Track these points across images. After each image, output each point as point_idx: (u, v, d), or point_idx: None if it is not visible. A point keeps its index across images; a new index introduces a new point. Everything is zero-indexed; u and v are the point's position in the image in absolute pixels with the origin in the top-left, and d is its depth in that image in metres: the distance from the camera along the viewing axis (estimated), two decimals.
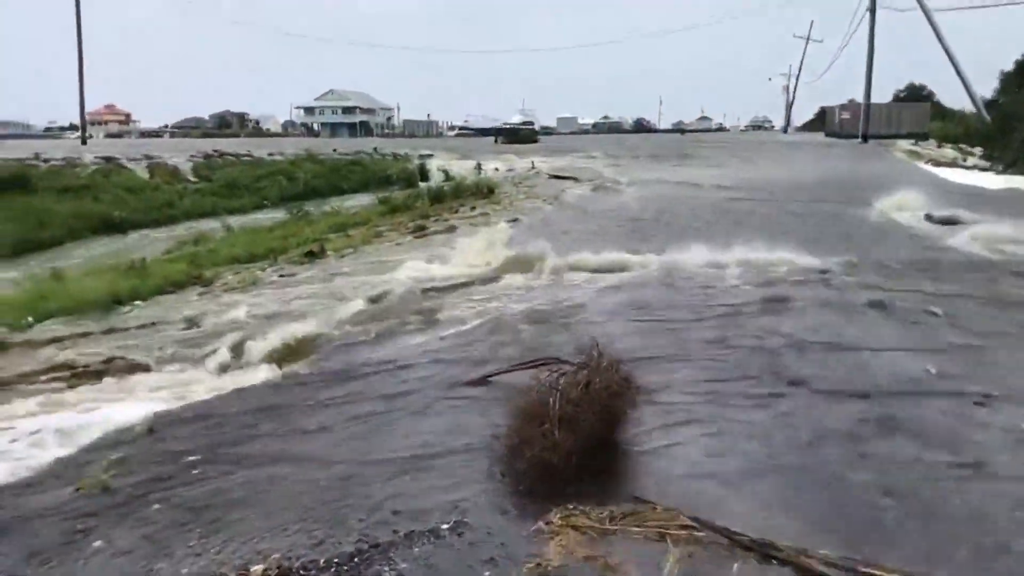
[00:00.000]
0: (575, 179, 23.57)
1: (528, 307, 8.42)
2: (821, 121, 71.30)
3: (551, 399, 4.59)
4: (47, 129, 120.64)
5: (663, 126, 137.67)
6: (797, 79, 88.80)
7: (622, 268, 10.13)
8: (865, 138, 43.86)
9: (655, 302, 8.43)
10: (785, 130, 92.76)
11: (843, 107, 55.74)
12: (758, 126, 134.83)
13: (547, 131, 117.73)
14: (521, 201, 18.69)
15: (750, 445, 4.78)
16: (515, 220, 15.10)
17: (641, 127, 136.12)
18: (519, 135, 59.00)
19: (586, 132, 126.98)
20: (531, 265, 10.41)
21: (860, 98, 47.74)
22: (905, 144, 39.45)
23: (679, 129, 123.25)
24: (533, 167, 28.63)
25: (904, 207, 15.31)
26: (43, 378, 7.18)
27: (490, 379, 6.00)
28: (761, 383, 5.87)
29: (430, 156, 31.69)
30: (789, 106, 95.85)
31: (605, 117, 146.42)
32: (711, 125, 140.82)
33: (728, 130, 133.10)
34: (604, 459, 4.48)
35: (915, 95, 63.93)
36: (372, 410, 5.61)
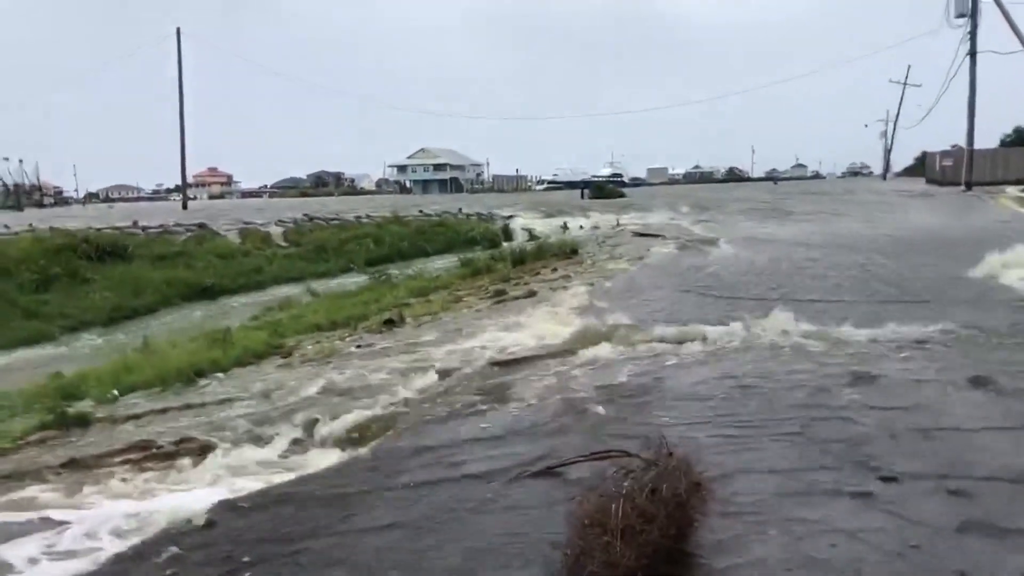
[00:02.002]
0: (661, 237, 23.19)
1: (601, 384, 8.11)
2: (921, 166, 68.91)
3: (614, 505, 4.30)
4: (154, 191, 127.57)
5: (756, 174, 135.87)
6: (895, 125, 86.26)
7: (703, 339, 9.71)
8: (969, 186, 42.00)
9: (736, 378, 8.01)
10: (884, 177, 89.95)
11: (945, 154, 53.76)
12: (855, 172, 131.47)
13: (637, 182, 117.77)
14: (604, 262, 18.43)
15: (834, 557, 4.35)
16: (596, 284, 14.82)
17: (733, 176, 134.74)
18: (604, 190, 58.91)
19: (676, 182, 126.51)
20: (608, 336, 10.11)
21: (963, 143, 45.89)
22: (1014, 191, 37.60)
23: (772, 178, 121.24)
24: (618, 224, 28.37)
25: (1013, 264, 14.34)
26: (117, 459, 7.25)
27: (553, 470, 5.72)
28: (848, 477, 5.41)
29: (512, 217, 31.80)
30: (887, 152, 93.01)
31: (696, 167, 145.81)
32: (806, 172, 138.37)
33: (824, 177, 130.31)
34: (670, 574, 4.14)
35: (1023, 139, 61.26)
36: (432, 504, 5.39)
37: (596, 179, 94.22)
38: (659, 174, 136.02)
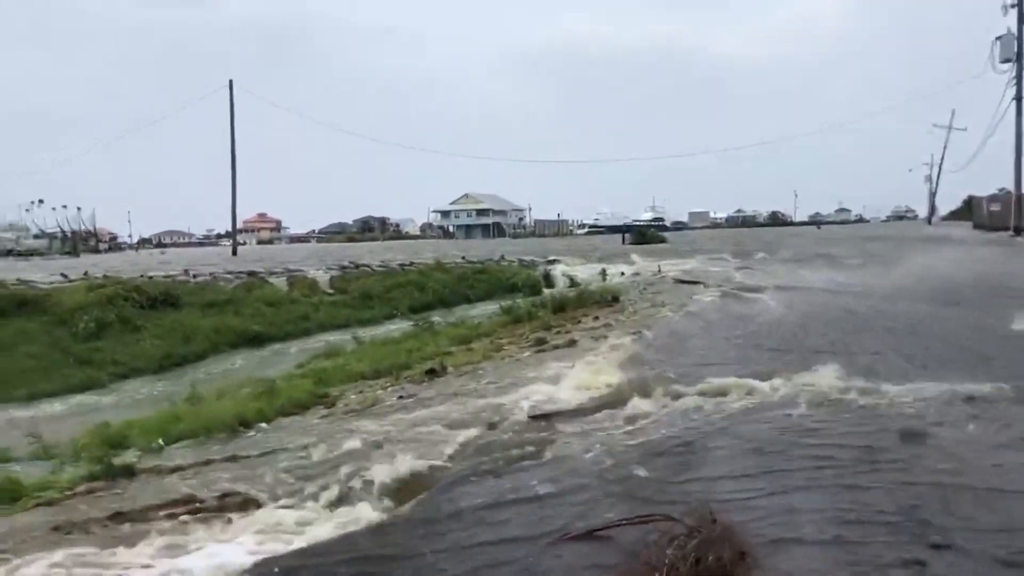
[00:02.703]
0: (703, 284, 23.04)
1: (643, 440, 8.04)
2: (968, 209, 67.89)
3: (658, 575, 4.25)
4: (205, 236, 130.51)
5: (799, 218, 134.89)
6: (939, 168, 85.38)
7: (747, 393, 9.58)
8: (1018, 230, 41.19)
9: (781, 435, 7.88)
10: (929, 221, 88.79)
11: (992, 198, 52.97)
12: (900, 216, 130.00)
13: (678, 226, 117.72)
14: (645, 310, 18.35)
15: None
16: (637, 333, 14.74)
17: (776, 220, 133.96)
18: (646, 236, 58.91)
19: (718, 226, 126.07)
20: (650, 389, 10.01)
21: (1011, 187, 45.13)
22: None
23: (815, 222, 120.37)
24: (659, 271, 28.26)
25: None
26: (161, 513, 7.31)
27: (594, 533, 5.65)
28: (898, 544, 5.26)
29: (553, 263, 31.92)
30: (932, 196, 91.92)
31: (738, 211, 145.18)
32: (849, 216, 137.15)
33: (868, 221, 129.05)
34: None
35: None
36: (471, 568, 5.36)
37: (637, 224, 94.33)
38: (701, 218, 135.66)
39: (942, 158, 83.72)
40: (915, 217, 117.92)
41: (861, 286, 21.26)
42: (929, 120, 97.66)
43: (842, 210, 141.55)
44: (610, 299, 20.36)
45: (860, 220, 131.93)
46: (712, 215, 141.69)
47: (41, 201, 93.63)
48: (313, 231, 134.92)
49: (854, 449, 7.27)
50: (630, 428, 8.54)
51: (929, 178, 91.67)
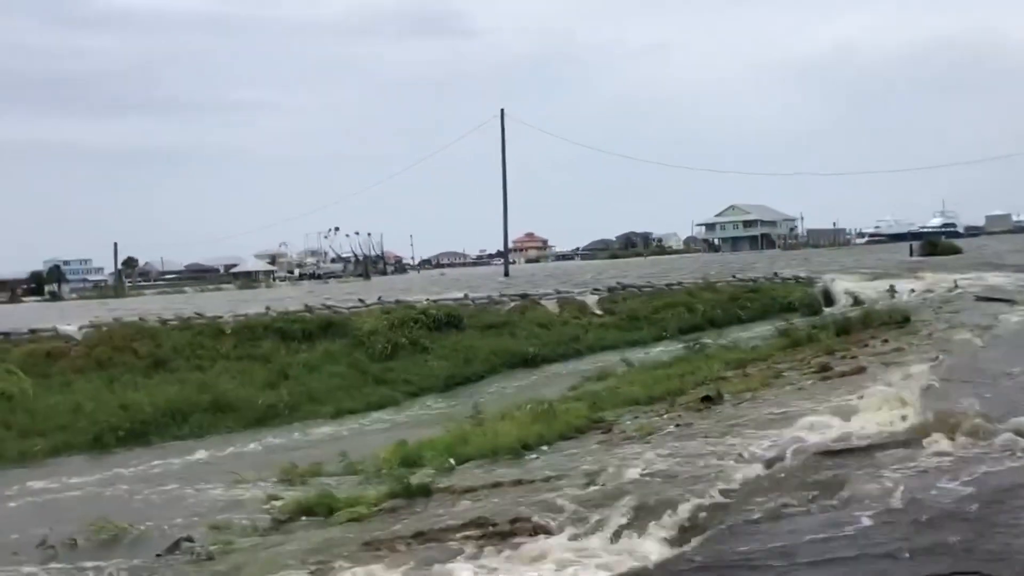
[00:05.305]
0: (1011, 301, 20.71)
1: (951, 484, 7.35)
2: None
3: None
4: (478, 256, 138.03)
5: None
6: None
7: None
8: None
9: None
10: None
11: None
12: None
13: (973, 232, 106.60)
14: (942, 332, 16.85)
15: None
16: (936, 359, 13.56)
17: None
18: (937, 246, 53.66)
19: (1023, 230, 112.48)
20: (956, 426, 9.12)
21: None
22: None
23: None
24: (956, 286, 25.78)
25: None
26: (458, 535, 7.79)
27: None
28: None
29: (832, 280, 30.12)
30: None
31: None
32: None
33: None
34: None
35: None
36: None
37: (925, 231, 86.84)
38: (1000, 222, 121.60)
39: None
40: None
41: None
42: None
43: None
44: (900, 320, 18.93)
45: None
46: (1014, 218, 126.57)
47: (337, 229, 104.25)
48: (577, 248, 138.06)
49: None
50: (934, 471, 7.85)
51: None
